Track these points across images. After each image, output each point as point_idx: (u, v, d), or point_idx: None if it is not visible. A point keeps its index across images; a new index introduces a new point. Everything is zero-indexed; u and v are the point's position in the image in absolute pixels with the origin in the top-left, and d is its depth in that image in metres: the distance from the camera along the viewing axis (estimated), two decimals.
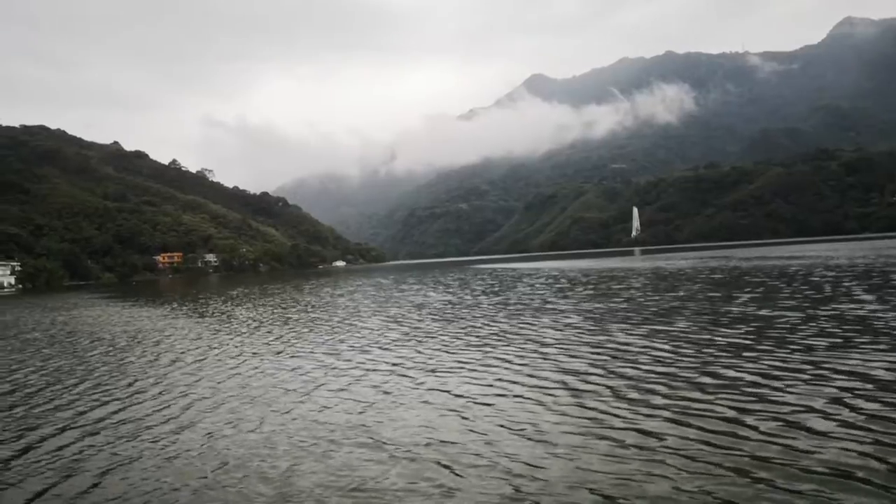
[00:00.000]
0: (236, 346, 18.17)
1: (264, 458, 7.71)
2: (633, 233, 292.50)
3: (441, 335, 17.90)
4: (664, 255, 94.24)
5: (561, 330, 17.34)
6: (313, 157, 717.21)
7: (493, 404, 9.66)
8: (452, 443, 7.92)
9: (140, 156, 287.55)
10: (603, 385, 10.44)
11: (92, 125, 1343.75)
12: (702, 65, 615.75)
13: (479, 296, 33.03)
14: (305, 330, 21.61)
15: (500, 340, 16.06)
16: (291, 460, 7.60)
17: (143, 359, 16.79)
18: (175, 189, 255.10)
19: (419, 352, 15.04)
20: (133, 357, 17.29)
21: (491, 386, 10.89)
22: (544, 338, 15.98)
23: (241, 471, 7.35)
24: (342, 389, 11.35)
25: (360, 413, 9.61)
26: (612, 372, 11.40)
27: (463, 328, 19.27)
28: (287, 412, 9.93)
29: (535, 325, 18.90)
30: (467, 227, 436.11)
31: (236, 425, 9.30)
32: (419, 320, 22.43)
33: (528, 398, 9.89)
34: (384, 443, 8.07)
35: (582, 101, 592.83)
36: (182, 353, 17.60)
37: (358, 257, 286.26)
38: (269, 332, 21.79)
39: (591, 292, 30.93)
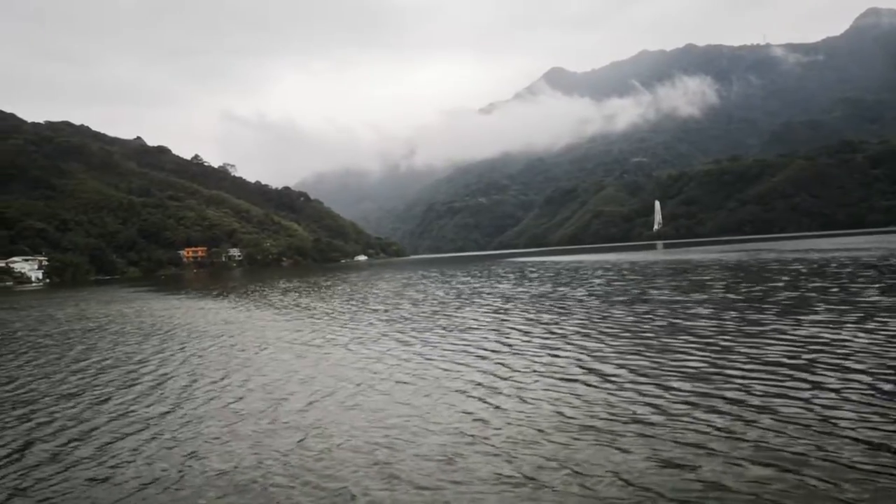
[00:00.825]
0: (360, 340, 17.29)
1: (552, 466, 6.92)
2: (655, 227, 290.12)
3: (570, 326, 17.01)
4: (700, 249, 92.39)
5: (703, 320, 16.39)
6: (332, 152, 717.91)
7: (738, 399, 8.81)
8: (742, 439, 7.11)
9: (163, 151, 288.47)
10: (844, 376, 9.58)
11: (114, 121, 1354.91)
12: (723, 57, 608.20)
13: (558, 287, 32.13)
14: (412, 321, 20.76)
15: (648, 331, 15.21)
16: (593, 457, 6.82)
17: (267, 351, 16.06)
18: (198, 184, 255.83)
19: (575, 344, 14.08)
20: (254, 350, 16.55)
21: (718, 379, 10.02)
22: (698, 329, 15.06)
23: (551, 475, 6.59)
24: (556, 381, 10.45)
25: (603, 406, 8.79)
26: (833, 362, 10.52)
27: (585, 320, 18.36)
28: (529, 403, 9.11)
29: (663, 317, 17.97)
30: (486, 221, 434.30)
31: (474, 422, 8.51)
32: (528, 312, 21.51)
33: (772, 392, 9.05)
34: (674, 442, 7.26)
35: (603, 93, 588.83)
36: (305, 345, 16.82)
37: (379, 251, 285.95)
38: (370, 324, 20.99)
39: (678, 283, 29.91)
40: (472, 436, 7.81)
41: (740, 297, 21.39)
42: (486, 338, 15.69)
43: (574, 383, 10.22)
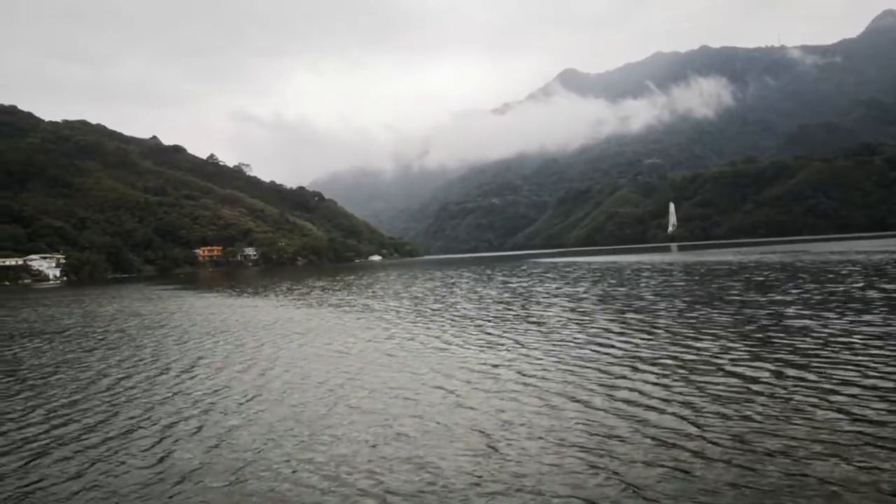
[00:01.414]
0: (461, 341, 16.76)
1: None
2: (670, 228, 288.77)
3: (673, 327, 16.44)
4: (728, 250, 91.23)
5: (806, 320, 15.78)
6: (347, 151, 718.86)
7: None
8: None
9: (178, 150, 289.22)
10: None
11: (129, 121, 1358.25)
12: (738, 58, 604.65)
13: (615, 287, 31.53)
14: (494, 321, 20.20)
15: (759, 330, 14.62)
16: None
17: (372, 351, 15.55)
18: (213, 183, 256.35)
19: (699, 346, 13.51)
20: (357, 349, 16.04)
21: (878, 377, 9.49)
22: (815, 329, 14.47)
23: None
24: (720, 381, 9.93)
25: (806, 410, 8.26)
26: None
27: (679, 320, 17.78)
28: (723, 405, 8.59)
29: (762, 317, 17.36)
30: (499, 221, 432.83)
31: (684, 424, 7.98)
32: (607, 312, 20.94)
33: None
34: None
35: (617, 95, 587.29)
36: (404, 343, 16.32)
37: (393, 251, 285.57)
38: (452, 323, 20.47)
39: (743, 284, 29.20)
40: (694, 437, 7.28)
41: (822, 297, 20.81)
42: (594, 339, 15.18)
43: (744, 381, 9.68)
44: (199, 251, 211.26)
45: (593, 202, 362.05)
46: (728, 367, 10.92)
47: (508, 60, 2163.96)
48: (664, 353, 12.66)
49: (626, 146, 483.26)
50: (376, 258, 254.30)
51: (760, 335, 14.20)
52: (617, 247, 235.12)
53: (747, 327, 15.50)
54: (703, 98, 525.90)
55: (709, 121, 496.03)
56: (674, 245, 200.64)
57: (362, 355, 14.51)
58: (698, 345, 13.31)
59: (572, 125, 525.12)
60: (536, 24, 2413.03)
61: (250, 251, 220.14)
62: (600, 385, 10.13)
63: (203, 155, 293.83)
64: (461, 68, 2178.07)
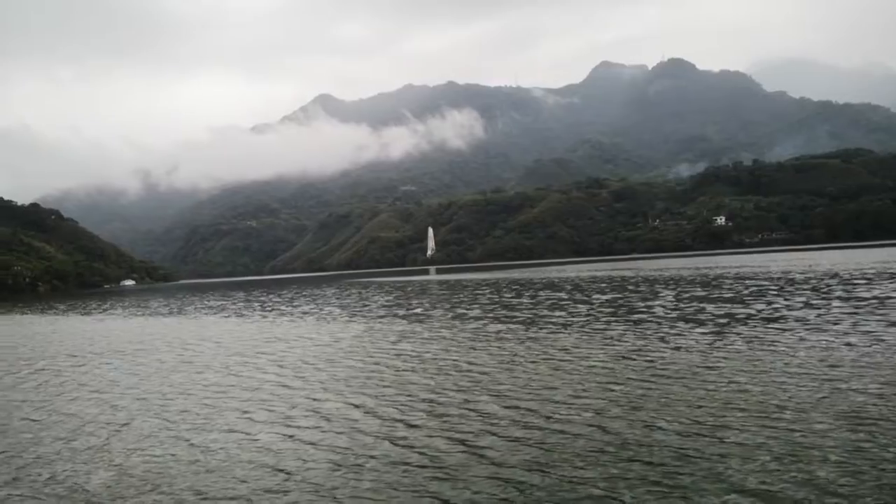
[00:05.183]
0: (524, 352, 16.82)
1: None
2: (429, 252, 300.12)
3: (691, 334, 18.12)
4: (508, 270, 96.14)
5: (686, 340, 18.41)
6: (79, 166, 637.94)
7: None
8: None
9: None
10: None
11: None
12: (483, 95, 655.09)
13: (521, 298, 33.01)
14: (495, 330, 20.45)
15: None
16: None
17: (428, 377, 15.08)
18: None
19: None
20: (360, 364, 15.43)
21: None
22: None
23: None
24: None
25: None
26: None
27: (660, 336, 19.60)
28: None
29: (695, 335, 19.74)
30: (257, 245, 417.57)
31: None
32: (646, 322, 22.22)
33: None
34: None
35: (377, 122, 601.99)
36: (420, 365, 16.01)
37: (144, 276, 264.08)
38: (457, 335, 20.33)
39: (593, 304, 32.30)
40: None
41: (672, 315, 24.02)
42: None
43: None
44: None
45: (354, 226, 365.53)
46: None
47: (264, 82, 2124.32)
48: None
49: (384, 172, 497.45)
50: (129, 283, 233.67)
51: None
52: (380, 270, 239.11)
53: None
54: (457, 130, 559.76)
55: (459, 151, 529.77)
56: (433, 268, 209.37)
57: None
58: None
59: (332, 150, 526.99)
60: (291, 48, 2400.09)
61: None
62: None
63: None
64: (215, 86, 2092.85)
